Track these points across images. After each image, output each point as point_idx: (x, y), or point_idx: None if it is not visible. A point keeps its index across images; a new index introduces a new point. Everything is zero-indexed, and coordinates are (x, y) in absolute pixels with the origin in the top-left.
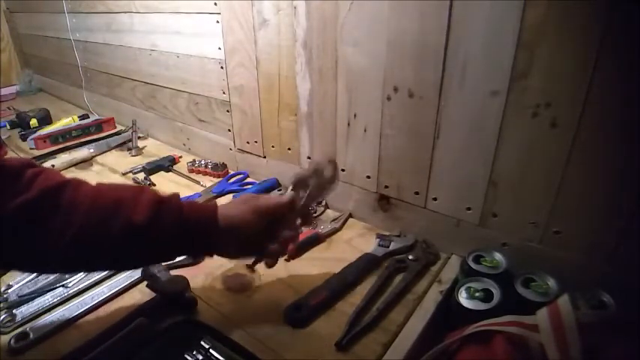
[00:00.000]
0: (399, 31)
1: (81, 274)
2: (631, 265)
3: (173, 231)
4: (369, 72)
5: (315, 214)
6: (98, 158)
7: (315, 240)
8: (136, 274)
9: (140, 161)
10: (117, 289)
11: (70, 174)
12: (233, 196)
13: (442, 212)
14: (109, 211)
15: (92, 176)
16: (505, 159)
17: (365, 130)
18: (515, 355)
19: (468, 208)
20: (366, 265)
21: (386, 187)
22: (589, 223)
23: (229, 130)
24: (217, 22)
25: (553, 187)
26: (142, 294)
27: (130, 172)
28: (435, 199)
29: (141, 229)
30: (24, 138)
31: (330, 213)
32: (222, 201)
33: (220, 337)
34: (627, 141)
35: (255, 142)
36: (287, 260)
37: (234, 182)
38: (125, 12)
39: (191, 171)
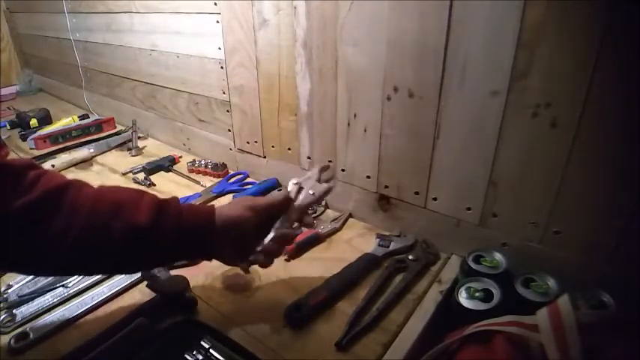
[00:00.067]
0: (399, 31)
1: None
2: (631, 265)
3: (174, 235)
4: (369, 72)
5: (315, 214)
6: (98, 158)
7: (315, 240)
8: (136, 273)
9: (140, 161)
10: (117, 289)
11: (70, 174)
12: (233, 196)
13: (442, 212)
14: (111, 213)
15: (92, 176)
16: (505, 159)
17: (365, 130)
18: (515, 355)
19: (468, 208)
20: (366, 265)
21: (386, 187)
22: (589, 223)
23: (229, 130)
24: (217, 22)
25: (553, 187)
26: (142, 294)
27: (130, 172)
28: (435, 199)
29: (143, 231)
30: (24, 138)
31: (330, 213)
32: (222, 201)
33: (220, 337)
34: (627, 141)
35: (255, 142)
36: (287, 260)
37: (234, 182)
38: (125, 12)
39: (191, 171)
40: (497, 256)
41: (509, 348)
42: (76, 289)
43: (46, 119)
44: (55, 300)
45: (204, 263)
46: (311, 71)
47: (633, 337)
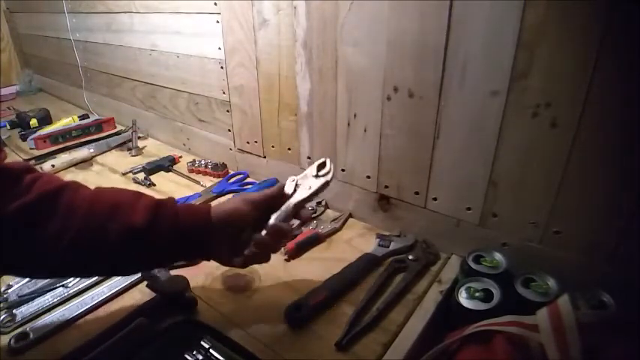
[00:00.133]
0: (399, 31)
1: None
2: (631, 265)
3: (170, 236)
4: (369, 72)
5: (315, 215)
6: (98, 158)
7: (315, 240)
8: (136, 274)
9: (140, 161)
10: (117, 289)
11: (70, 174)
12: (232, 196)
13: (442, 212)
14: (107, 215)
15: (92, 176)
16: (505, 159)
17: (365, 130)
18: (515, 355)
19: (468, 208)
20: (366, 265)
21: (386, 187)
22: (589, 223)
23: (229, 130)
24: (217, 22)
25: (553, 187)
26: (142, 294)
27: (130, 172)
28: (435, 199)
29: (139, 232)
30: (24, 138)
31: (330, 213)
32: (221, 201)
33: (220, 337)
34: (627, 141)
35: (255, 142)
36: (287, 260)
37: (234, 182)
38: (125, 12)
39: (191, 171)
40: (497, 256)
41: (509, 348)
42: (76, 289)
43: (46, 119)
44: (55, 300)
45: (204, 263)
46: (311, 71)
47: (633, 337)
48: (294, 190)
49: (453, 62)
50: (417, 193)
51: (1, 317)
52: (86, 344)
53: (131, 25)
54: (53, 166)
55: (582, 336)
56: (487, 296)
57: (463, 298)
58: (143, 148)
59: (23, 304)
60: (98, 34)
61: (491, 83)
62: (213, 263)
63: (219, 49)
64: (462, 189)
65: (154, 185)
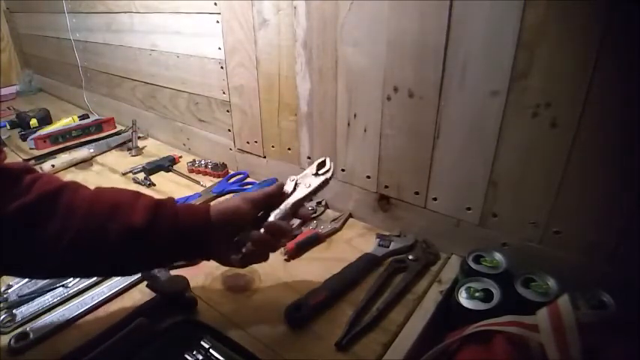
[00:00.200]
0: (399, 31)
1: None
2: (631, 265)
3: (170, 236)
4: (369, 72)
5: (315, 215)
6: (98, 158)
7: (315, 240)
8: (136, 274)
9: (140, 161)
10: (117, 289)
11: (70, 174)
12: (232, 196)
13: (442, 212)
14: (107, 215)
15: (92, 176)
16: (505, 159)
17: (365, 130)
18: (515, 355)
19: (468, 208)
20: (366, 265)
21: (386, 187)
22: (589, 223)
23: (229, 130)
24: (217, 22)
25: (553, 187)
26: (142, 294)
27: (130, 172)
28: (435, 199)
29: (139, 232)
30: (24, 138)
31: (330, 213)
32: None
33: (220, 337)
34: (627, 141)
35: (255, 142)
36: (287, 260)
37: (234, 182)
38: (125, 12)
39: (191, 171)
40: (497, 256)
41: (509, 348)
42: (76, 289)
43: (46, 119)
44: (55, 300)
45: (204, 263)
46: (311, 71)
47: (633, 337)
48: (294, 189)
49: (453, 62)
50: (417, 193)
51: (1, 317)
52: (86, 344)
53: (131, 25)
54: (53, 166)
55: (582, 336)
56: (487, 296)
57: (463, 298)
58: (143, 148)
59: (23, 304)
60: (98, 34)
61: (491, 83)
62: (213, 263)
63: (219, 49)
64: (462, 189)
65: (154, 185)
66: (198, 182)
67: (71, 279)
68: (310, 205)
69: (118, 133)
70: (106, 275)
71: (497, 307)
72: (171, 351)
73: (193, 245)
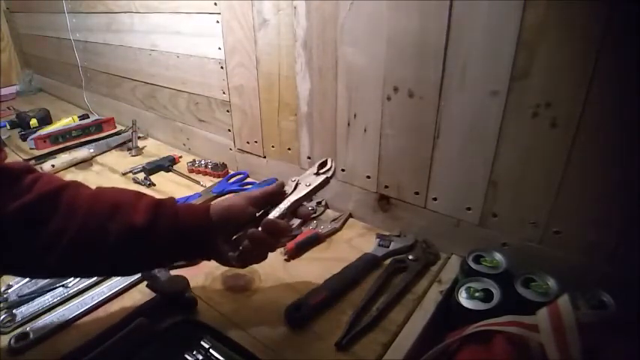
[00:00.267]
0: (399, 31)
1: None
2: (631, 265)
3: (170, 236)
4: (369, 72)
5: (315, 215)
6: (98, 158)
7: (315, 240)
8: (136, 274)
9: (140, 161)
10: (117, 289)
11: (70, 174)
12: (232, 195)
13: (442, 212)
14: (107, 214)
15: (92, 176)
16: (505, 159)
17: (365, 130)
18: (515, 355)
19: (468, 208)
20: (366, 265)
21: (386, 187)
22: (589, 223)
23: (229, 130)
24: (217, 22)
25: (553, 187)
26: (141, 294)
27: (130, 172)
28: (435, 199)
29: (140, 232)
30: (24, 138)
31: (330, 213)
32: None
33: (220, 337)
34: (627, 141)
35: (255, 142)
36: (287, 260)
37: (234, 182)
38: (125, 12)
39: (191, 171)
40: (497, 256)
41: (509, 348)
42: (76, 289)
43: (46, 119)
44: (55, 300)
45: (204, 263)
46: (311, 71)
47: (633, 337)
48: (294, 189)
49: (453, 62)
50: (417, 193)
51: (1, 317)
52: (86, 344)
53: (131, 25)
54: (53, 166)
55: (582, 336)
56: (487, 296)
57: (463, 298)
58: (143, 148)
59: (23, 304)
60: (98, 34)
61: (491, 83)
62: (213, 263)
63: (219, 49)
64: (462, 189)
65: (154, 185)
66: (198, 182)
67: (71, 279)
68: (310, 205)
69: (118, 133)
70: (106, 275)
71: (497, 307)
72: (171, 351)
73: (194, 245)
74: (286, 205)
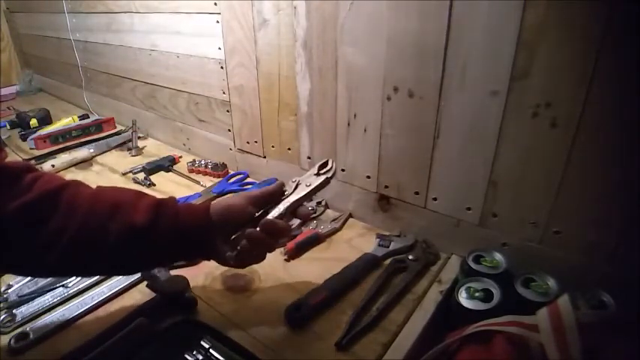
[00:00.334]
0: (399, 31)
1: None
2: (631, 265)
3: (170, 236)
4: (369, 72)
5: (315, 215)
6: (98, 158)
7: (315, 240)
8: (136, 274)
9: (140, 161)
10: (117, 289)
11: (70, 174)
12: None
13: (442, 212)
14: (108, 214)
15: (92, 176)
16: (505, 159)
17: (365, 130)
18: (515, 355)
19: (468, 208)
20: (366, 265)
21: (386, 187)
22: (589, 223)
23: (229, 130)
24: (217, 22)
25: (553, 187)
26: (141, 294)
27: (130, 172)
28: (435, 199)
29: (140, 231)
30: (24, 138)
31: (330, 213)
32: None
33: (220, 337)
34: (627, 141)
35: (255, 142)
36: (287, 260)
37: (234, 182)
38: (125, 12)
39: (191, 171)
40: (497, 256)
41: (509, 348)
42: (76, 289)
43: (46, 119)
44: (55, 300)
45: (204, 263)
46: (311, 71)
47: (633, 337)
48: (295, 189)
49: (453, 62)
50: (417, 193)
51: (1, 317)
52: (86, 344)
53: (131, 25)
54: (53, 166)
55: (582, 336)
56: (487, 296)
57: (463, 298)
58: (143, 148)
59: (23, 304)
60: (98, 34)
61: (491, 83)
62: (213, 263)
63: (219, 49)
64: (462, 189)
65: (154, 185)
66: (198, 182)
67: (71, 279)
68: (310, 205)
69: (118, 133)
70: (106, 274)
71: (497, 307)
72: (171, 351)
73: (194, 245)
74: (285, 206)
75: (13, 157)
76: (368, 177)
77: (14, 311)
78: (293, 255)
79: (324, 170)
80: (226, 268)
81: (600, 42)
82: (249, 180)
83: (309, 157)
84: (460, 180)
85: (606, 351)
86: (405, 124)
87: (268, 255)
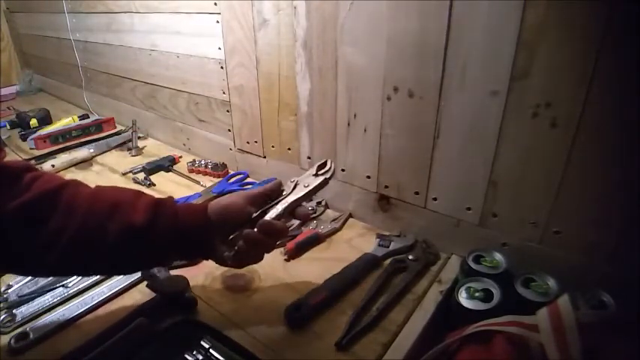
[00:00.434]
0: (399, 31)
1: None
2: (631, 265)
3: (169, 235)
4: (369, 72)
5: (314, 215)
6: (98, 158)
7: (315, 240)
8: (136, 274)
9: (140, 161)
10: (117, 289)
11: (70, 174)
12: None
13: (442, 212)
14: (107, 213)
15: (92, 176)
16: (505, 159)
17: (365, 130)
18: (515, 355)
19: (468, 208)
20: (366, 265)
21: (386, 187)
22: (589, 223)
23: (229, 130)
24: (217, 22)
25: (553, 187)
26: (141, 294)
27: (130, 172)
28: (435, 199)
29: (139, 231)
30: (24, 138)
31: (330, 213)
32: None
33: (220, 337)
34: (627, 141)
35: (255, 142)
36: (287, 260)
37: (234, 182)
38: (125, 12)
39: (191, 171)
40: (497, 256)
41: (509, 348)
42: (76, 289)
43: (46, 119)
44: (55, 300)
45: (204, 263)
46: (311, 71)
47: (633, 337)
48: (293, 190)
49: (453, 62)
50: (417, 193)
51: (1, 317)
52: (86, 344)
53: (131, 25)
54: (53, 166)
55: (582, 336)
56: (487, 296)
57: (463, 298)
58: (143, 148)
59: (23, 304)
60: (98, 34)
61: (491, 83)
62: (212, 263)
63: (219, 49)
64: (462, 189)
65: (154, 185)
66: (198, 182)
67: (71, 279)
68: (310, 205)
69: (118, 133)
70: (106, 274)
71: (497, 307)
72: (171, 351)
73: (192, 244)
74: (284, 206)
75: (13, 157)
76: (368, 177)
77: (14, 311)
78: (293, 255)
79: (323, 171)
80: (226, 268)
81: (600, 42)
82: (249, 180)
83: (309, 157)
84: (460, 180)
85: (606, 351)
86: (405, 124)
87: (268, 255)
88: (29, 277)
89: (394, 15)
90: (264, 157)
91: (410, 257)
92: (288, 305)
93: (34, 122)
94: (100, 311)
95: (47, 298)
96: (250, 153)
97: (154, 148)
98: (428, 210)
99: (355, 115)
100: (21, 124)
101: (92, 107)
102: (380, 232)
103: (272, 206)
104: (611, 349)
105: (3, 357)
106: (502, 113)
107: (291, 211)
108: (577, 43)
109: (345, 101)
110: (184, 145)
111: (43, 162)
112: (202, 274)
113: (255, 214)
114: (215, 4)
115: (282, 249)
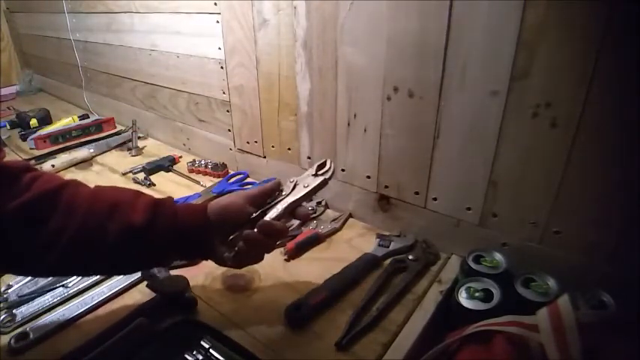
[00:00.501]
0: (399, 31)
1: None
2: (631, 265)
3: (169, 235)
4: (369, 72)
5: (314, 215)
6: (98, 158)
7: (315, 240)
8: (136, 274)
9: (140, 161)
10: (117, 289)
11: (70, 174)
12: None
13: (442, 212)
14: (107, 213)
15: (92, 176)
16: (505, 159)
17: (365, 130)
18: (515, 355)
19: (468, 208)
20: (366, 265)
21: (386, 187)
22: (589, 223)
23: (229, 130)
24: (217, 22)
25: (553, 187)
26: (141, 294)
27: (130, 172)
28: (435, 199)
29: (139, 231)
30: (24, 138)
31: (330, 213)
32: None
33: (220, 337)
34: (627, 141)
35: (255, 142)
36: (287, 260)
37: (234, 182)
38: (125, 12)
39: (191, 171)
40: (497, 256)
41: (509, 348)
42: (76, 289)
43: (46, 119)
44: (55, 300)
45: (204, 263)
46: (311, 71)
47: (633, 337)
48: (292, 190)
49: (453, 62)
50: (417, 193)
51: (1, 317)
52: (86, 344)
53: (131, 25)
54: (53, 166)
55: (582, 336)
56: (487, 296)
57: (463, 298)
58: (143, 148)
59: (23, 304)
60: (98, 34)
61: (491, 83)
62: (212, 263)
63: (219, 49)
64: (462, 189)
65: (154, 185)
66: (198, 182)
67: (71, 279)
68: (310, 205)
69: (118, 133)
70: (105, 274)
71: (497, 307)
72: (171, 351)
73: (192, 245)
74: (283, 207)
75: (13, 156)
76: (368, 177)
77: (14, 311)
78: (293, 255)
79: (323, 171)
80: (226, 267)
81: (600, 42)
82: (249, 180)
83: (309, 157)
84: (460, 180)
85: (606, 351)
86: (405, 124)
87: (268, 255)
88: (29, 277)
89: (394, 15)
90: (264, 157)
91: (410, 257)
92: (288, 305)
93: (34, 122)
94: (100, 311)
95: (47, 298)
96: (250, 153)
97: (154, 148)
98: (428, 210)
99: (355, 115)
100: (21, 124)
101: (92, 107)
102: (380, 232)
103: (272, 206)
104: (611, 349)
105: (3, 357)
106: (502, 113)
107: (290, 212)
108: (577, 43)
109: (345, 101)
110: (184, 145)
111: (43, 162)
112: (202, 274)
113: (254, 215)
114: (215, 4)
115: (282, 249)
